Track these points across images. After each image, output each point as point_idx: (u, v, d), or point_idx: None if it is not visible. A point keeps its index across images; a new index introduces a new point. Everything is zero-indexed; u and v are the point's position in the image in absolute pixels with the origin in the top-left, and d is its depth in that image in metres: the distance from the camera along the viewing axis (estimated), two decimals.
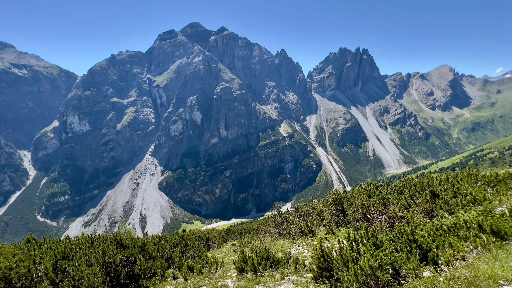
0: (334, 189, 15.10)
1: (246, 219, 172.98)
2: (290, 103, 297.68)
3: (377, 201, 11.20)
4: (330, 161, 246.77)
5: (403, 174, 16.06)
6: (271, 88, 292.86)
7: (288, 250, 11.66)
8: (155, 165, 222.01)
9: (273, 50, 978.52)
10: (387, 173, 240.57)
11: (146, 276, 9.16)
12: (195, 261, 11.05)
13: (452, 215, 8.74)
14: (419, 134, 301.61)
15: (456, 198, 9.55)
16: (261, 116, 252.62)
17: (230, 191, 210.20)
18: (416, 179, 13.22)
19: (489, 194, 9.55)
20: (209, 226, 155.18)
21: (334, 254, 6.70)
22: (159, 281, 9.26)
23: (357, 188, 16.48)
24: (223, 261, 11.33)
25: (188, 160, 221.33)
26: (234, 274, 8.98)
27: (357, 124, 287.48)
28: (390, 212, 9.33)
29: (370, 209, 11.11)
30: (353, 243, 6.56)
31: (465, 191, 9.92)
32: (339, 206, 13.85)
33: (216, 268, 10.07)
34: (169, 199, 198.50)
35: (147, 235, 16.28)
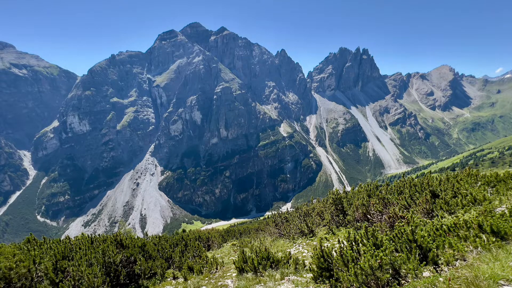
0: (334, 189, 15.11)
1: (246, 219, 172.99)
2: (290, 103, 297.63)
3: (377, 201, 11.20)
4: (330, 161, 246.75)
5: (403, 174, 16.07)
6: (271, 88, 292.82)
7: (288, 250, 11.66)
8: (155, 165, 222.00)
9: (273, 50, 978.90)
10: (387, 173, 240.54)
11: (146, 276, 9.16)
12: (195, 261, 11.05)
13: (452, 215, 8.74)
14: (419, 134, 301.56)
15: (456, 198, 9.55)
16: (261, 116, 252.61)
17: (230, 191, 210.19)
18: (416, 179, 13.22)
19: (489, 194, 9.55)
20: (209, 226, 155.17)
21: (334, 254, 6.70)
22: (159, 281, 9.26)
23: (357, 188, 16.49)
24: (223, 261, 11.34)
25: (188, 160, 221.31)
26: (234, 274, 8.98)
27: (357, 124, 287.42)
28: (390, 212, 9.33)
29: (370, 209, 11.11)
30: (353, 243, 6.56)
31: (465, 191, 9.93)
32: (339, 206, 13.86)
33: (216, 268, 10.07)
34: (169, 199, 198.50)
35: (147, 235, 16.29)
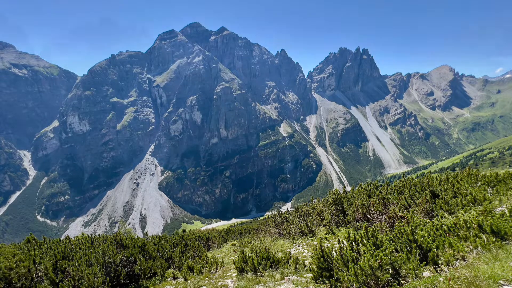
0: (334, 189, 15.10)
1: (246, 219, 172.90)
2: (290, 103, 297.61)
3: (377, 201, 11.20)
4: (330, 161, 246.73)
5: (403, 174, 16.07)
6: (271, 88, 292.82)
7: (288, 250, 11.66)
8: (155, 165, 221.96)
9: (273, 50, 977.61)
10: (387, 173, 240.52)
11: (146, 276, 9.16)
12: (195, 261, 11.04)
13: (452, 215, 8.74)
14: (419, 134, 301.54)
15: (456, 198, 9.55)
16: (261, 116, 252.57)
17: (230, 191, 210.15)
18: (416, 179, 13.23)
19: (489, 194, 9.55)
20: (209, 226, 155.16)
21: (334, 254, 6.70)
22: (159, 281, 9.26)
23: (357, 188, 16.50)
24: (223, 261, 11.33)
25: (188, 160, 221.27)
26: (234, 274, 8.98)
27: (357, 124, 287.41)
28: (390, 212, 9.32)
29: (370, 209, 11.10)
30: (353, 243, 6.56)
31: (465, 191, 9.93)
32: (339, 206, 13.85)
33: (216, 268, 10.07)
34: (169, 199, 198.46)
35: (147, 235, 16.29)
